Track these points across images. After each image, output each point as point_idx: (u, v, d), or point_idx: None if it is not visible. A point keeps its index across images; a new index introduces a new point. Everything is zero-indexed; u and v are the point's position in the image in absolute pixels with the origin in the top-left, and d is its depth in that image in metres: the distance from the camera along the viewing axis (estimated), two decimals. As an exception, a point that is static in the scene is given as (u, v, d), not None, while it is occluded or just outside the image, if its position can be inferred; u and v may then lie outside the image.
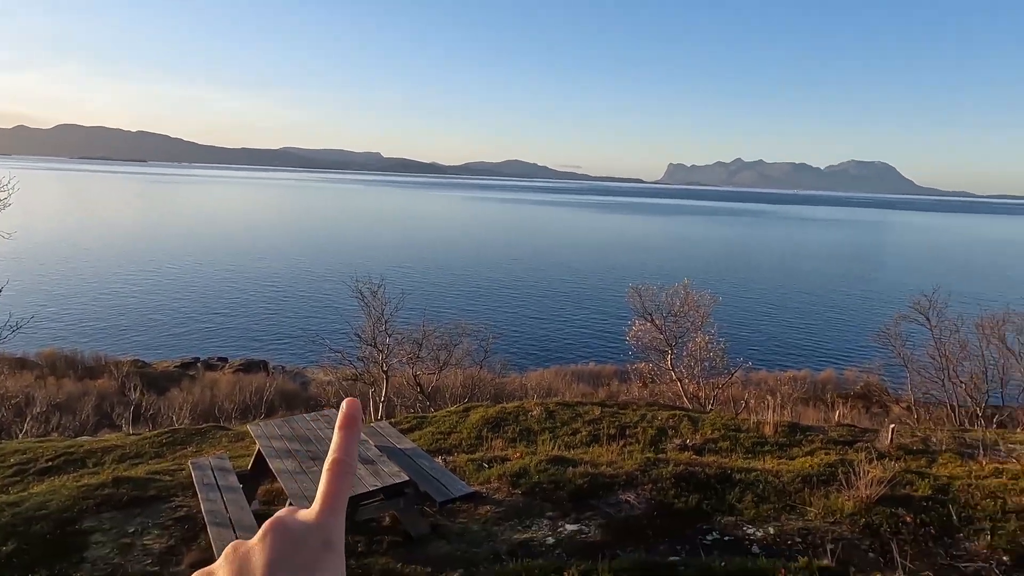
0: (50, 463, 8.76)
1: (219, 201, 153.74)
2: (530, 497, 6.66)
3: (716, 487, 6.72)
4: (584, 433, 10.39)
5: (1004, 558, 5.44)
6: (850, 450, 9.03)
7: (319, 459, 5.70)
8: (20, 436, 12.35)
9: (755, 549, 5.56)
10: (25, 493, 6.88)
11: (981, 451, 9.82)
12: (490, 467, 7.67)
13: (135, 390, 17.21)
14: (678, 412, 12.18)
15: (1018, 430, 14.06)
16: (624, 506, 6.43)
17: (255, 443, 6.33)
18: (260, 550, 0.51)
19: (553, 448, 9.18)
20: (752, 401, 15.24)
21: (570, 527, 6.04)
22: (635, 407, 12.78)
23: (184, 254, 54.76)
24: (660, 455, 9.16)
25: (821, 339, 35.26)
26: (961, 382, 18.03)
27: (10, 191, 13.06)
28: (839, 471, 7.18)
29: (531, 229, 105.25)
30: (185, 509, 6.29)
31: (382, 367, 15.77)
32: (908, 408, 18.84)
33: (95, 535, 5.74)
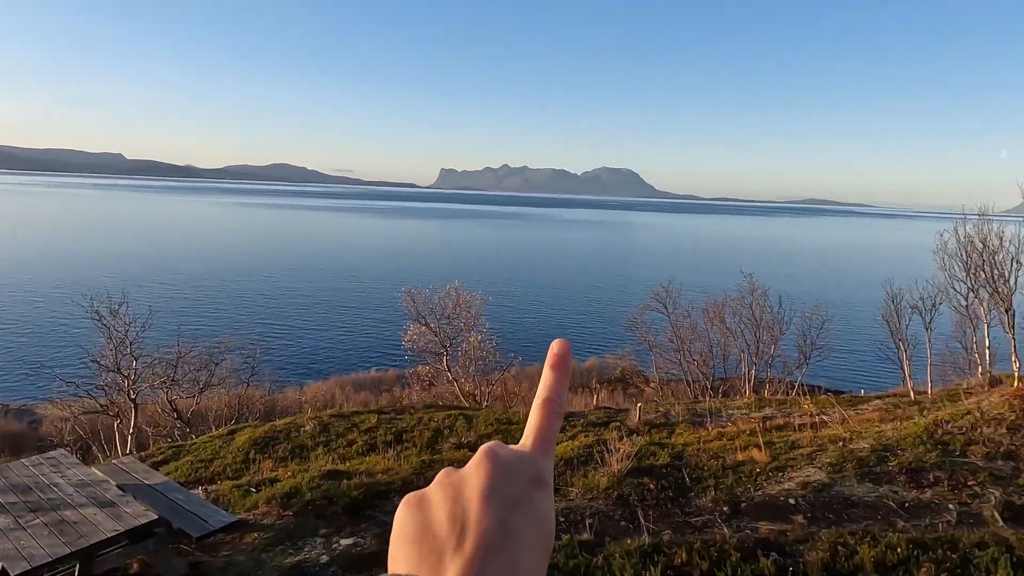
0: None
1: None
2: (302, 517, 6.38)
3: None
4: (360, 443, 10.16)
5: (724, 508, 6.34)
6: (605, 430, 9.92)
7: (41, 511, 4.85)
8: None
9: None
10: None
11: (708, 419, 11.48)
12: (258, 491, 7.24)
13: None
14: (454, 412, 12.41)
15: (737, 398, 16.82)
16: (399, 514, 6.36)
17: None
18: (476, 476, 0.50)
19: (327, 462, 8.95)
20: (525, 395, 16.08)
21: (345, 541, 5.88)
22: (412, 411, 12.71)
23: None
24: (436, 456, 9.19)
25: (583, 330, 38.77)
26: (693, 360, 21.20)
27: None
28: (595, 451, 7.81)
29: (302, 236, 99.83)
30: None
31: (129, 395, 14.26)
32: (657, 387, 21.57)
33: None
